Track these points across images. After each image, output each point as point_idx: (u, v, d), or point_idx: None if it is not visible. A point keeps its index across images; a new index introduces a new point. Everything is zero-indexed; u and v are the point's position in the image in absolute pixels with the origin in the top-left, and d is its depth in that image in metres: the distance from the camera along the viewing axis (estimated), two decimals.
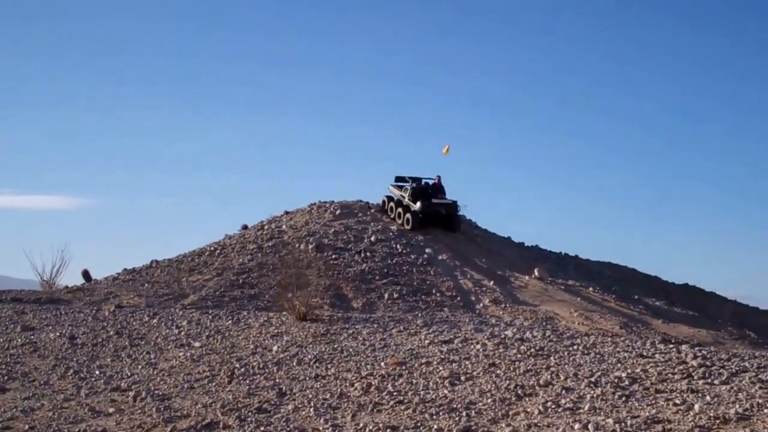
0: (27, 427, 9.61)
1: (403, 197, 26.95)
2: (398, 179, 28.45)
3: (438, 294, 20.49)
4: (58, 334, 15.32)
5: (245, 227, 28.00)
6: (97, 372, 12.41)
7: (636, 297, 24.46)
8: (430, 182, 27.45)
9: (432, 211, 25.94)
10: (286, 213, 28.63)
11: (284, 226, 26.35)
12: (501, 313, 19.18)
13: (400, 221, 26.67)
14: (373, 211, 28.39)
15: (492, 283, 22.21)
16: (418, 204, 25.93)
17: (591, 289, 23.60)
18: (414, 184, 27.11)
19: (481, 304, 20.00)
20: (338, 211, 27.47)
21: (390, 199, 28.07)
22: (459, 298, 20.34)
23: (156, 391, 10.93)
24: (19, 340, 15.07)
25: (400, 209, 26.91)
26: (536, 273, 23.86)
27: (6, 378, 12.31)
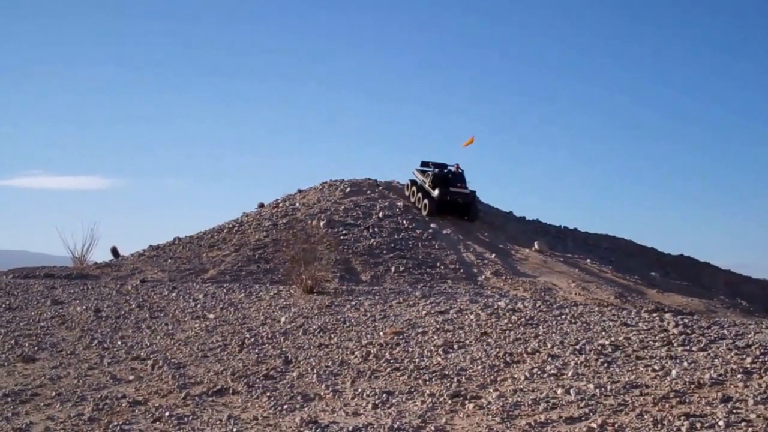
0: (54, 393, 9.76)
1: (425, 183, 26.55)
2: (423, 164, 27.86)
3: (442, 267, 20.55)
4: (84, 307, 15.52)
5: (261, 205, 28.19)
6: (119, 342, 12.57)
7: (632, 267, 24.45)
8: (452, 170, 26.81)
9: (449, 199, 25.53)
10: (299, 191, 28.77)
11: (297, 204, 26.49)
12: (502, 284, 19.22)
13: (419, 206, 26.35)
14: (380, 188, 28.34)
15: (494, 255, 22.26)
16: (437, 191, 25.53)
17: (589, 260, 23.62)
18: (436, 171, 26.62)
19: (483, 276, 20.05)
20: (348, 189, 27.56)
21: (413, 183, 27.66)
22: (462, 271, 20.40)
23: (172, 360, 11.07)
24: (49, 313, 15.28)
25: (420, 194, 26.56)
26: (536, 246, 23.89)
27: (36, 348, 12.49)
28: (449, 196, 25.50)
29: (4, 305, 16.32)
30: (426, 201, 25.89)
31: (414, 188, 27.32)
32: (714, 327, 10.16)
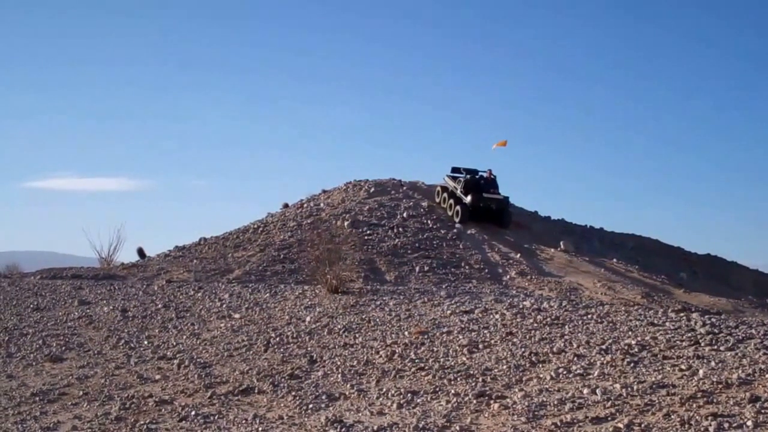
0: (81, 393, 9.90)
1: (456, 189, 25.92)
2: (454, 170, 27.23)
3: (467, 267, 20.49)
4: (111, 307, 15.70)
5: (286, 206, 28.27)
6: (146, 342, 12.70)
7: (658, 267, 24.21)
8: (485, 176, 26.16)
9: (482, 205, 24.93)
10: (324, 191, 28.78)
11: (322, 204, 26.53)
12: (527, 284, 19.13)
13: (450, 212, 25.80)
14: (405, 188, 28.25)
15: (519, 255, 22.14)
16: (469, 197, 24.92)
17: (615, 260, 23.40)
18: (468, 176, 25.97)
19: (508, 276, 19.97)
20: (372, 189, 27.51)
21: (444, 189, 27.01)
22: (487, 271, 20.32)
23: (198, 360, 11.17)
24: (76, 313, 15.48)
25: (452, 200, 25.96)
26: (562, 246, 23.68)
27: (63, 348, 12.66)
28: (482, 202, 24.88)
29: (32, 306, 16.57)
30: (458, 208, 25.28)
31: (445, 194, 26.71)
32: (742, 326, 10.06)
